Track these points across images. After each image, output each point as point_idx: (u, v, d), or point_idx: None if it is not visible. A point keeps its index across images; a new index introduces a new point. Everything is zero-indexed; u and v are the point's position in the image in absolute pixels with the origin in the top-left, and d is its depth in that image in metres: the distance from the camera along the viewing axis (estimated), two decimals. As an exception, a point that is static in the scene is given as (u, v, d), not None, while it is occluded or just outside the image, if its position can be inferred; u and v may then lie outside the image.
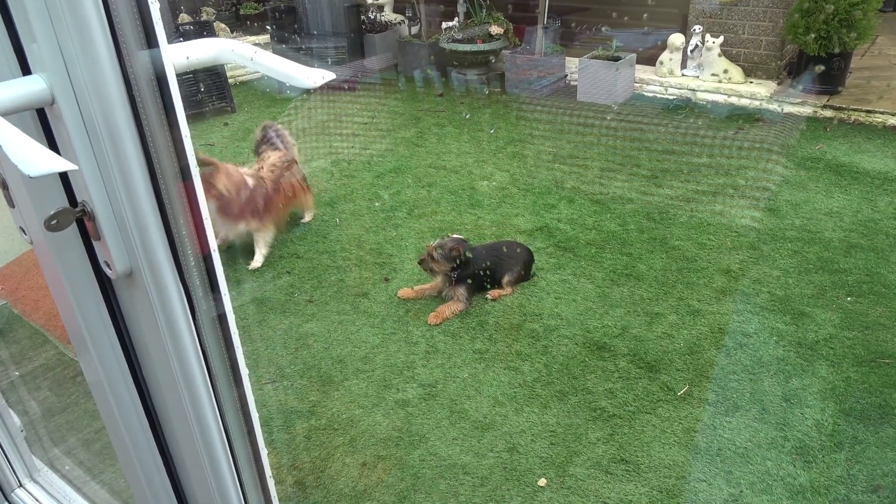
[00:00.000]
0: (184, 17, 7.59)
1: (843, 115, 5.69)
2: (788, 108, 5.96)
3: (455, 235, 3.48)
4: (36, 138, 0.71)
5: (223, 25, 7.86)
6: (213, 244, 0.79)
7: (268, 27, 7.40)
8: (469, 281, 3.39)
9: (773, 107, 6.02)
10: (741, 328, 3.13)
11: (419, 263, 3.48)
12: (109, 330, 0.83)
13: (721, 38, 6.20)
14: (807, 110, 5.87)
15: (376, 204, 4.58)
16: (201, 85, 6.43)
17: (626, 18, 6.87)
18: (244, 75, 7.86)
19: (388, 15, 8.17)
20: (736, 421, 2.60)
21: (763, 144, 5.29)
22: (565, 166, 5.06)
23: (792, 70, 6.31)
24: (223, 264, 0.79)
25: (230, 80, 7.21)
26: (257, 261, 3.91)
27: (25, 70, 0.66)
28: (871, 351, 2.94)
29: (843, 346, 2.98)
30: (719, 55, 6.25)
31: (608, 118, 6.03)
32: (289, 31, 7.39)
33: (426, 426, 2.64)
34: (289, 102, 6.86)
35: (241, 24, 8.10)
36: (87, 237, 0.75)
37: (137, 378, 0.87)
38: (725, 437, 2.52)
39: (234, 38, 7.87)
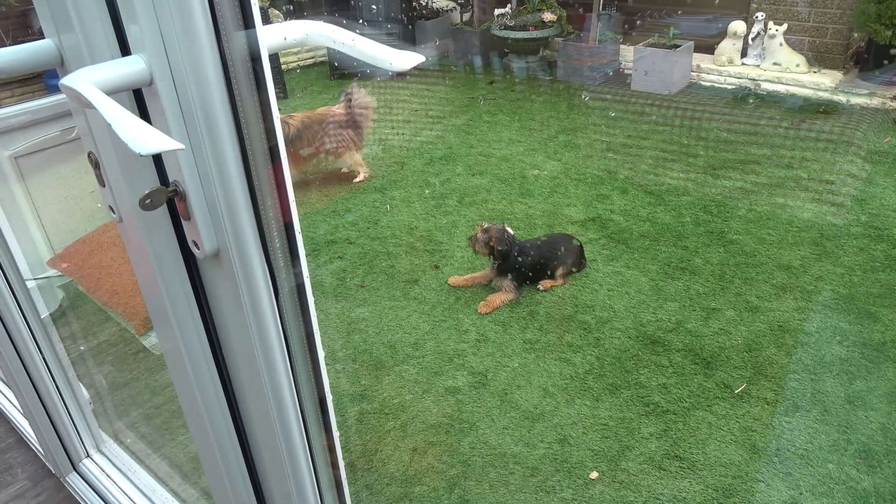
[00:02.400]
0: (239, 4, 7.70)
1: (914, 107, 5.42)
2: (855, 100, 5.71)
3: (500, 225, 3.44)
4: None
5: (276, 12, 7.95)
6: (296, 214, 0.79)
7: (322, 13, 7.45)
8: (515, 272, 3.36)
9: (839, 98, 5.78)
10: (802, 326, 3.02)
11: (469, 240, 3.49)
12: (193, 308, 0.84)
13: (785, 26, 5.97)
14: (875, 102, 5.61)
15: (427, 191, 4.59)
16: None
17: (685, 5, 6.68)
18: (297, 62, 7.95)
19: (441, 1, 8.13)
20: (796, 421, 2.52)
21: (828, 136, 5.09)
22: (618, 156, 4.97)
23: (859, 60, 6.03)
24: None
25: (282, 66, 7.31)
26: None
27: (125, 50, 0.68)
28: (942, 354, 2.81)
29: (912, 349, 2.85)
30: (782, 44, 6.02)
31: (664, 107, 5.89)
32: (341, 17, 7.42)
33: (476, 414, 2.65)
34: (338, 89, 6.91)
35: (294, 12, 8.17)
36: (177, 216, 0.77)
37: (216, 353, 0.89)
38: (785, 438, 2.45)
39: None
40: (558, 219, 4.12)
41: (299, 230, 0.79)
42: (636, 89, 6.40)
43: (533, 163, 4.93)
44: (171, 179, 0.73)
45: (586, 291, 3.39)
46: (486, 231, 3.37)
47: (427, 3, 7.88)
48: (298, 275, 0.81)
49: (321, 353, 0.88)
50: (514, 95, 6.47)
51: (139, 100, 0.71)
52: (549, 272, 3.43)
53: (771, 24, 6.01)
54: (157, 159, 0.73)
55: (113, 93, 0.64)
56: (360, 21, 7.55)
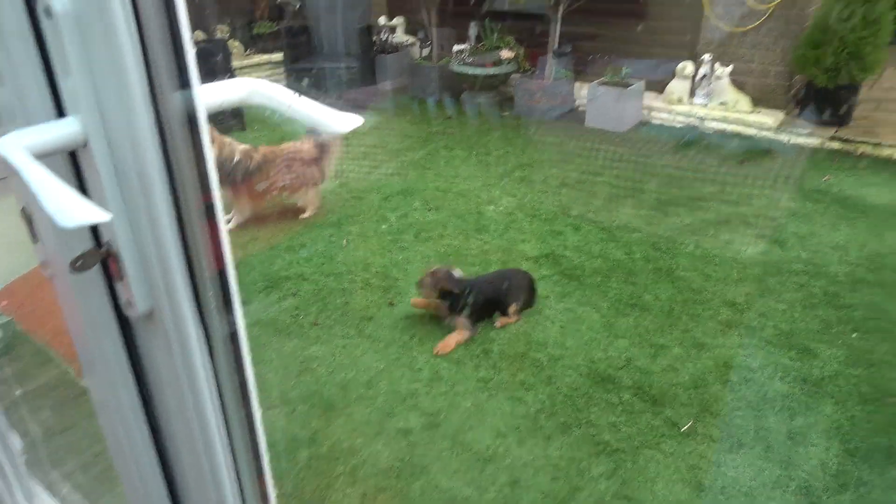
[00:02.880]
0: (198, 35, 7.68)
1: (850, 148, 5.71)
2: (796, 139, 5.98)
3: (446, 267, 3.44)
4: (65, 178, 0.72)
5: (237, 44, 7.96)
6: (232, 271, 0.79)
7: (282, 47, 7.48)
8: (469, 310, 3.37)
9: (781, 137, 6.05)
10: (746, 363, 3.11)
11: (417, 284, 3.50)
12: (125, 365, 0.83)
13: (730, 67, 6.25)
14: (814, 141, 5.89)
15: (383, 226, 4.60)
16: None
17: (636, 46, 6.93)
18: (255, 93, 7.93)
19: (400, 36, 8.26)
20: (740, 458, 2.57)
21: (770, 175, 5.30)
22: (572, 192, 5.08)
23: (800, 101, 6.34)
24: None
25: (241, 98, 7.27)
26: (229, 223, 4.54)
27: (60, 109, 0.67)
28: (877, 389, 2.92)
29: (849, 384, 2.96)
30: (727, 84, 6.29)
31: (616, 144, 6.06)
32: (302, 51, 7.47)
33: (428, 457, 2.63)
34: (298, 122, 6.91)
35: (254, 43, 8.19)
36: (110, 276, 0.76)
37: (148, 407, 0.87)
38: (730, 476, 2.50)
39: (248, 55, 7.96)
40: (513, 255, 4.17)
41: (235, 285, 0.79)
42: (590, 126, 6.58)
43: (489, 198, 5.00)
44: (104, 240, 0.72)
45: (539, 328, 3.43)
46: (433, 274, 3.38)
47: (387, 38, 8.00)
48: (233, 324, 0.81)
49: (255, 405, 0.87)
50: (471, 130, 6.58)
51: (75, 158, 0.71)
52: (502, 308, 3.46)
53: (717, 65, 6.29)
54: (90, 220, 0.73)
55: (45, 156, 0.63)
56: (321, 54, 7.60)
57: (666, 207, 4.75)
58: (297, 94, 0.77)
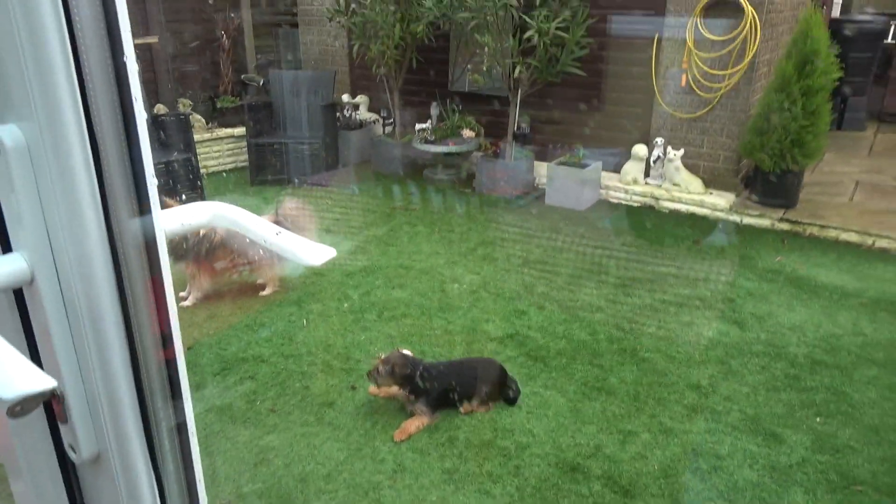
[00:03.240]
0: (160, 108, 7.67)
1: (798, 229, 5.93)
2: (747, 220, 6.19)
3: (398, 351, 3.36)
4: (8, 315, 0.65)
5: (199, 117, 7.96)
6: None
7: (247, 122, 7.50)
8: (428, 396, 3.26)
9: (733, 218, 6.26)
10: (714, 449, 3.07)
11: (367, 376, 3.35)
12: (65, 514, 0.73)
13: (682, 151, 6.50)
14: (765, 222, 6.10)
15: (345, 305, 4.51)
16: (174, 173, 6.42)
17: (592, 128, 7.18)
18: (218, 166, 7.89)
19: (364, 114, 8.40)
20: (715, 553, 2.50)
21: (724, 255, 5.44)
22: (535, 271, 5.10)
23: (749, 183, 6.61)
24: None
25: (202, 171, 7.22)
26: (186, 300, 4.49)
27: (6, 245, 0.61)
28: (843, 476, 2.91)
29: (817, 471, 2.94)
30: (679, 167, 6.53)
31: (575, 223, 6.17)
32: (265, 126, 7.50)
33: (392, 556, 2.47)
34: (260, 195, 6.87)
35: (217, 117, 8.21)
36: (53, 416, 0.68)
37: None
38: (706, 573, 2.41)
39: (210, 129, 7.96)
40: (477, 335, 4.11)
41: (194, 431, 0.72)
42: (549, 204, 6.70)
43: (452, 276, 4.97)
44: (47, 379, 0.65)
45: (506, 413, 3.34)
46: (386, 362, 3.25)
47: (351, 115, 8.12)
48: (191, 479, 0.73)
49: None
50: (433, 207, 6.63)
51: (19, 295, 0.64)
52: (468, 397, 3.36)
53: (669, 148, 6.53)
54: (35, 357, 0.66)
55: (-16, 295, 0.57)
56: (284, 129, 7.65)
57: (627, 287, 4.80)
58: (255, 219, 0.72)
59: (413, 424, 3.20)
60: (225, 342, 4.00)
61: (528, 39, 6.14)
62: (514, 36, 6.27)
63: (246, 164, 7.57)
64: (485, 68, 7.30)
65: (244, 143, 7.55)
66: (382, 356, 3.30)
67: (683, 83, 6.49)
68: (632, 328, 4.19)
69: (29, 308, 0.63)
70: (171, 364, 0.68)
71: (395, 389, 3.35)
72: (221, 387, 3.55)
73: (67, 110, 0.54)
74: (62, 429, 0.68)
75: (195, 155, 6.67)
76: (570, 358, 3.85)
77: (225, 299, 4.61)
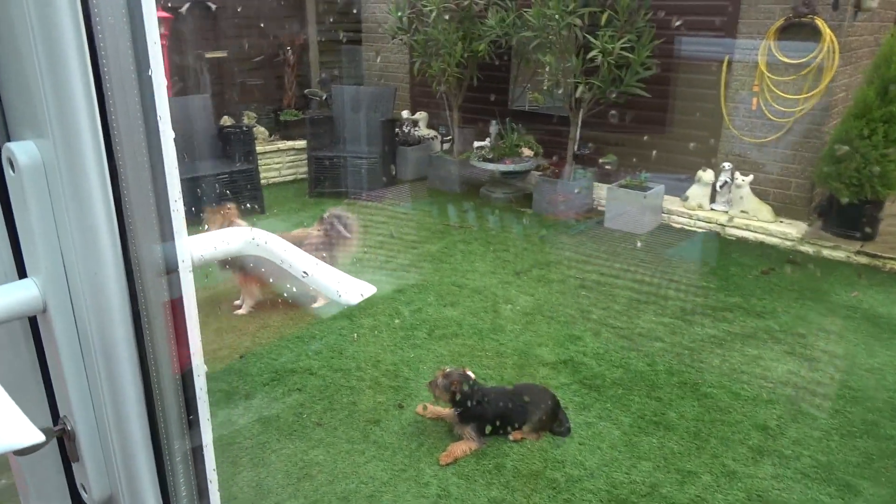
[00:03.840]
0: (226, 120, 7.89)
1: (877, 263, 5.57)
2: (821, 252, 5.86)
3: (461, 370, 3.27)
4: (23, 344, 0.61)
5: (262, 129, 8.15)
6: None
7: (305, 134, 7.63)
8: (479, 421, 3.17)
9: (805, 248, 5.93)
10: (782, 498, 2.86)
11: (428, 385, 3.30)
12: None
13: (750, 177, 6.23)
14: (839, 255, 5.76)
15: (396, 321, 4.47)
16: (236, 183, 6.57)
17: (656, 151, 6.97)
18: (277, 177, 8.05)
19: (422, 130, 8.43)
20: None
21: (795, 287, 5.15)
22: (591, 295, 4.95)
23: (822, 213, 6.27)
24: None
25: (263, 181, 7.37)
26: (240, 308, 4.56)
27: (21, 271, 0.57)
28: (929, 537, 2.65)
29: (897, 529, 2.69)
30: (747, 193, 6.25)
31: (636, 247, 5.98)
32: (325, 140, 7.61)
33: (431, 589, 2.38)
34: (317, 207, 6.95)
35: (280, 130, 8.38)
36: (66, 454, 0.63)
37: None
38: None
39: (272, 141, 8.14)
40: (529, 359, 3.99)
41: (213, 467, 0.66)
42: (608, 227, 6.52)
43: (506, 296, 4.87)
44: (61, 414, 0.60)
45: (557, 443, 3.21)
46: (447, 376, 3.19)
47: (409, 131, 8.15)
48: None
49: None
50: (489, 226, 6.55)
51: (34, 321, 0.60)
52: (517, 424, 3.25)
53: (738, 174, 6.27)
54: (49, 390, 0.61)
55: (-2, 323, 0.53)
56: (344, 143, 7.74)
57: (689, 316, 4.59)
58: (286, 247, 0.66)
59: (460, 448, 3.11)
60: (276, 352, 4.01)
61: (592, 59, 6.02)
62: (577, 55, 6.17)
63: (305, 176, 7.69)
64: (546, 87, 7.22)
65: (304, 156, 7.67)
66: (446, 369, 3.24)
67: (754, 107, 6.23)
68: (693, 360, 3.99)
69: (43, 338, 0.58)
70: (191, 403, 0.63)
71: (443, 411, 3.28)
72: (270, 397, 3.55)
73: (85, 126, 0.49)
74: (74, 467, 0.63)
75: (257, 166, 6.81)
76: (627, 388, 3.68)
77: (277, 309, 4.64)
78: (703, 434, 3.29)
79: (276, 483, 2.92)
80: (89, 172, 0.50)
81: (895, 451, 3.17)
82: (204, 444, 0.65)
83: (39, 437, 0.44)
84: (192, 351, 0.62)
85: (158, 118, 0.53)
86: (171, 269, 0.59)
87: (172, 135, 0.56)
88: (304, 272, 0.65)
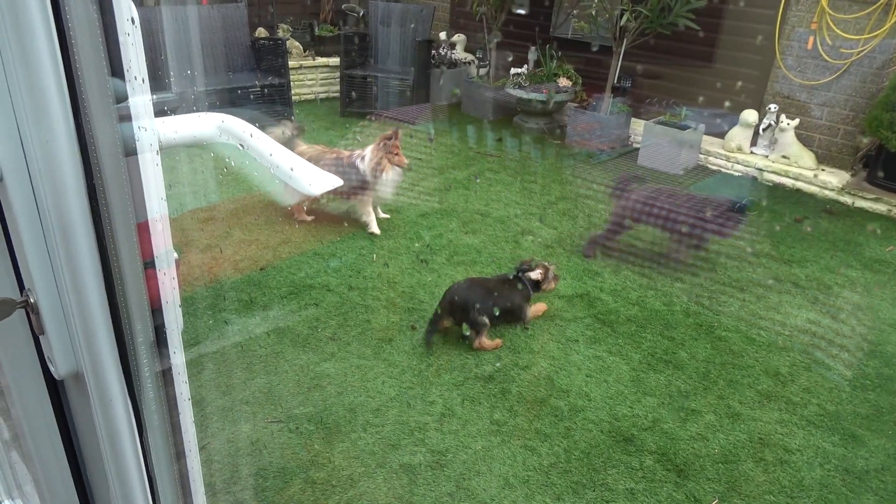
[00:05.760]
0: (261, 31, 7.75)
1: (919, 218, 5.36)
2: (860, 203, 5.66)
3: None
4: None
5: (297, 44, 8.00)
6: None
7: (340, 51, 7.48)
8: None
9: (844, 199, 5.73)
10: (784, 442, 2.87)
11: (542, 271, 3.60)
12: (53, 430, 0.71)
13: (796, 121, 5.96)
14: (880, 207, 5.55)
15: (416, 244, 4.48)
16: (267, 97, 6.52)
17: (699, 88, 6.69)
18: (310, 94, 7.96)
19: (459, 53, 8.19)
20: (767, 551, 2.35)
21: (828, 237, 5.01)
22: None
23: (868, 163, 6.01)
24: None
25: (294, 97, 7.30)
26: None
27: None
28: (928, 492, 2.65)
29: (897, 482, 2.69)
30: (792, 138, 6.00)
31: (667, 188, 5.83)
32: (359, 57, 7.45)
33: (428, 499, 2.47)
34: (348, 128, 6.89)
35: (315, 45, 8.23)
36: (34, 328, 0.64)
37: (79, 480, 0.75)
38: (753, 569, 2.28)
39: (306, 56, 8.00)
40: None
41: (182, 365, 0.67)
42: (642, 164, 6.36)
43: (528, 227, 4.83)
44: (25, 287, 0.60)
45: (564, 373, 3.25)
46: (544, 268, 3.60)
47: (445, 54, 7.93)
48: (172, 397, 0.68)
49: (198, 488, 0.75)
50: (519, 156, 6.44)
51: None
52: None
53: (783, 117, 6.01)
54: (14, 262, 0.61)
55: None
56: (377, 63, 7.58)
57: (713, 260, 4.51)
58: (252, 133, 0.64)
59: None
60: (296, 267, 4.08)
61: (641, -16, 5.71)
62: (625, -21, 5.86)
63: (338, 94, 7.59)
64: (592, 13, 6.90)
65: (338, 74, 7.55)
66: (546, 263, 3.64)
67: (810, 46, 5.89)
68: (712, 304, 3.95)
69: (3, 208, 0.58)
70: (154, 284, 0.63)
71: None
72: (286, 310, 3.63)
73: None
74: (42, 342, 0.64)
75: (289, 81, 6.73)
76: (641, 326, 3.68)
77: (302, 226, 4.68)
78: (713, 376, 3.29)
79: (286, 390, 3.02)
80: (37, 42, 0.48)
81: (907, 407, 3.14)
82: (168, 328, 0.65)
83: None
84: (158, 234, 0.61)
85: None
86: (130, 151, 0.57)
87: (133, 9, 0.53)
88: (291, 168, 0.63)
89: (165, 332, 0.67)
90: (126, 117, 0.57)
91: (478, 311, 3.33)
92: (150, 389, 0.65)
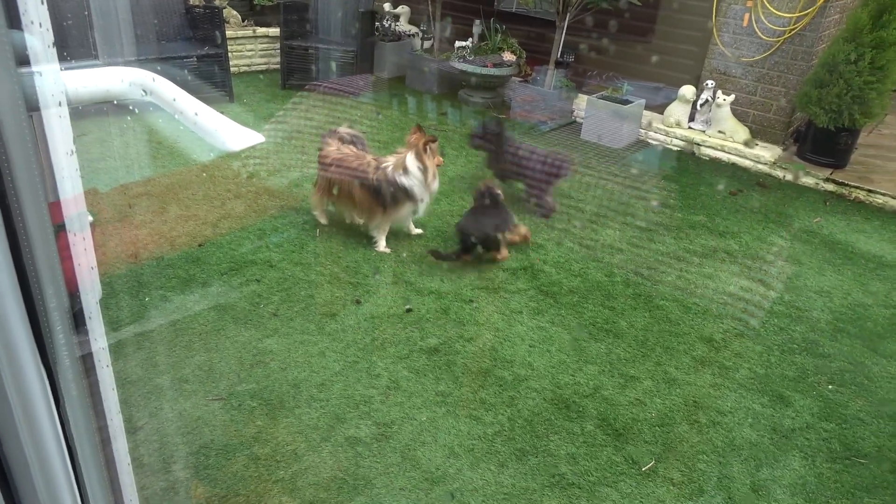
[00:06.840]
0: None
1: (843, 191, 5.63)
2: (790, 176, 5.89)
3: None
4: None
5: (234, 13, 7.72)
6: (94, 286, 0.63)
7: (280, 23, 7.25)
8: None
9: (777, 172, 5.96)
10: (717, 405, 2.99)
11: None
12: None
13: (732, 97, 6.14)
14: (809, 181, 5.80)
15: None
16: (202, 69, 6.28)
17: (639, 64, 6.80)
18: (249, 66, 7.72)
19: (403, 26, 8.08)
20: (700, 507, 2.45)
21: (760, 210, 5.20)
22: (558, 205, 4.94)
23: (799, 138, 6.25)
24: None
25: (233, 69, 7.06)
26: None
27: None
28: (847, 447, 2.82)
29: (819, 438, 2.85)
30: (727, 114, 6.18)
31: (609, 161, 5.93)
32: (300, 28, 7.25)
33: (374, 471, 2.48)
34: (287, 99, 6.72)
35: (252, 14, 7.96)
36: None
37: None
38: (687, 525, 2.38)
39: (245, 26, 7.73)
40: (487, 263, 4.02)
41: (95, 306, 0.63)
42: (585, 139, 6.44)
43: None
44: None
45: (508, 344, 3.29)
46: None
47: (390, 25, 7.80)
48: (90, 363, 0.65)
49: (127, 472, 0.72)
50: (463, 130, 6.42)
51: None
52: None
53: (720, 93, 6.17)
54: None
55: None
56: (319, 34, 7.39)
57: (652, 232, 4.63)
58: (177, 92, 0.61)
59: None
60: (236, 243, 3.97)
61: (584, -42, 5.73)
62: (568, -47, 5.86)
63: (278, 66, 7.38)
64: (535, -13, 6.90)
65: (278, 45, 7.33)
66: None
67: (746, 23, 6.05)
68: (650, 274, 4.06)
69: None
70: (67, 249, 0.59)
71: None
72: (227, 287, 3.54)
73: None
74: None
75: (226, 51, 6.49)
76: (582, 297, 3.75)
77: (242, 201, 4.56)
78: (650, 343, 3.39)
79: (228, 368, 2.96)
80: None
81: (829, 369, 3.31)
82: (84, 296, 0.61)
83: None
84: (68, 194, 0.58)
85: None
86: (33, 107, 0.53)
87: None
88: (195, 113, 0.60)
89: (80, 300, 0.64)
90: (29, 72, 0.53)
91: (494, 230, 3.95)
92: (66, 358, 0.62)
